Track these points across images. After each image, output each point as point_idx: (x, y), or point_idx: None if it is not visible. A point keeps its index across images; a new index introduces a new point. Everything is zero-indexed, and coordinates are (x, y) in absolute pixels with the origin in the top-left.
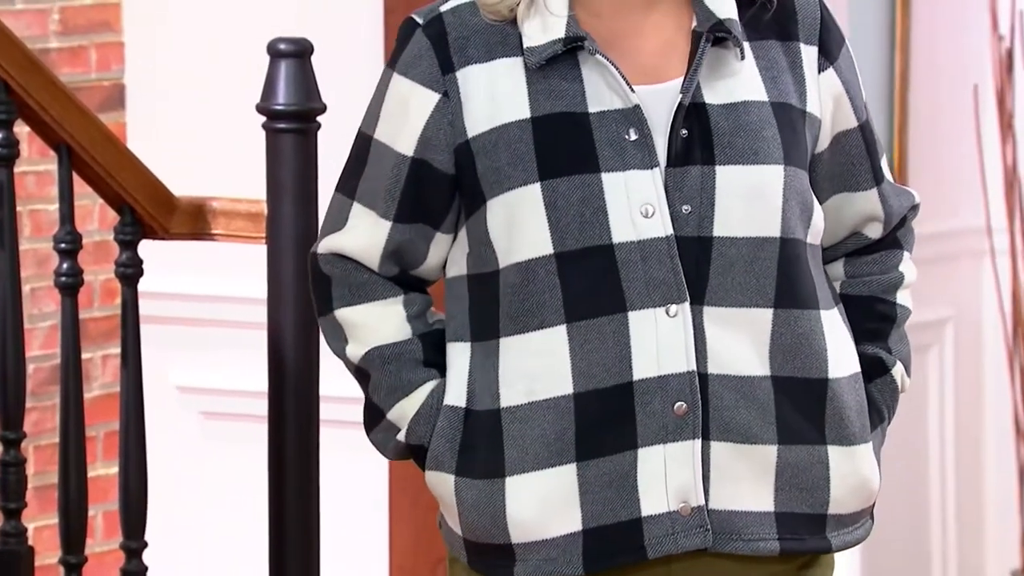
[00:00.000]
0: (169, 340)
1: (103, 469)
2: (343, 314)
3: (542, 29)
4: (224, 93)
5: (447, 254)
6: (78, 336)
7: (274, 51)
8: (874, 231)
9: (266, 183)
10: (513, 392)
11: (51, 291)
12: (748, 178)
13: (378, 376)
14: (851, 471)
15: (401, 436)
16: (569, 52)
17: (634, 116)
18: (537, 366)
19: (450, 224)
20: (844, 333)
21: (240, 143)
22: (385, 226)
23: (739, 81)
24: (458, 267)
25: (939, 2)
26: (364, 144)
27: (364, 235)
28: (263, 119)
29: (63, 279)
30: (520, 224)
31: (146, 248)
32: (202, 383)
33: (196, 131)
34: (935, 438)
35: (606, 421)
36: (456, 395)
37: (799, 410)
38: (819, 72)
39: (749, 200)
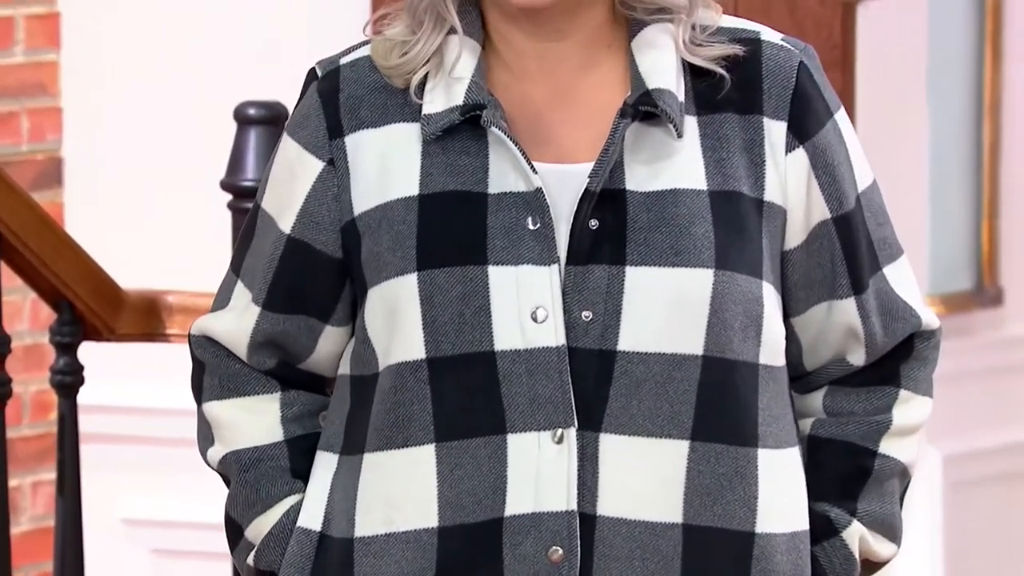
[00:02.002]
0: (115, 463)
1: None
2: (211, 409)
3: (444, 93)
4: (182, 167)
5: (343, 348)
6: (4, 459)
7: (241, 117)
8: (856, 356)
9: None
10: (369, 520)
11: None
12: (665, 282)
13: (235, 486)
14: None
15: (251, 559)
16: (474, 123)
17: (536, 202)
18: (399, 491)
19: (342, 316)
20: (793, 481)
21: (201, 226)
22: (254, 312)
23: (672, 164)
24: (344, 365)
25: None
26: (254, 212)
27: (233, 319)
28: (228, 197)
29: None
30: (394, 321)
31: (88, 352)
32: (154, 515)
33: (148, 212)
34: None
35: (471, 562)
36: (312, 515)
37: (714, 569)
38: (786, 152)
39: (665, 309)
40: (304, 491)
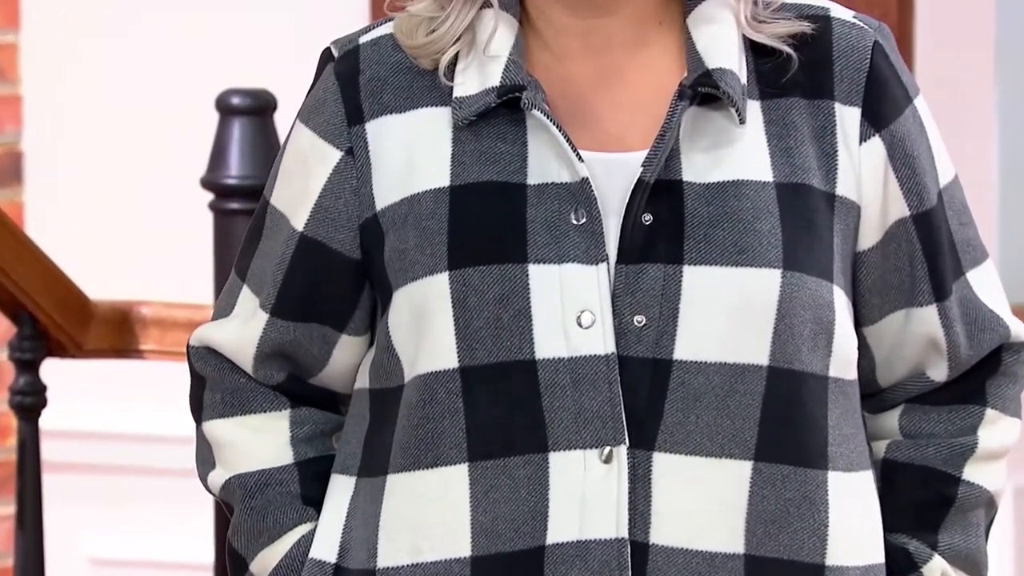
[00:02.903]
0: (81, 495)
1: None
2: (212, 428)
3: (478, 74)
4: (157, 162)
5: (360, 361)
6: None
7: (225, 106)
8: (937, 371)
9: (213, 281)
10: (394, 549)
11: None
12: (727, 284)
13: (240, 514)
14: None
15: None
16: (512, 105)
17: (581, 193)
18: (427, 517)
19: (360, 324)
20: (867, 508)
21: (179, 229)
22: (261, 319)
23: (734, 153)
24: (362, 378)
25: None
26: (261, 210)
27: (238, 327)
28: (209, 196)
29: None
30: (423, 326)
31: (52, 370)
32: (123, 553)
33: (119, 213)
34: None
35: None
36: (326, 545)
37: None
38: (860, 142)
39: (727, 313)
40: (316, 519)
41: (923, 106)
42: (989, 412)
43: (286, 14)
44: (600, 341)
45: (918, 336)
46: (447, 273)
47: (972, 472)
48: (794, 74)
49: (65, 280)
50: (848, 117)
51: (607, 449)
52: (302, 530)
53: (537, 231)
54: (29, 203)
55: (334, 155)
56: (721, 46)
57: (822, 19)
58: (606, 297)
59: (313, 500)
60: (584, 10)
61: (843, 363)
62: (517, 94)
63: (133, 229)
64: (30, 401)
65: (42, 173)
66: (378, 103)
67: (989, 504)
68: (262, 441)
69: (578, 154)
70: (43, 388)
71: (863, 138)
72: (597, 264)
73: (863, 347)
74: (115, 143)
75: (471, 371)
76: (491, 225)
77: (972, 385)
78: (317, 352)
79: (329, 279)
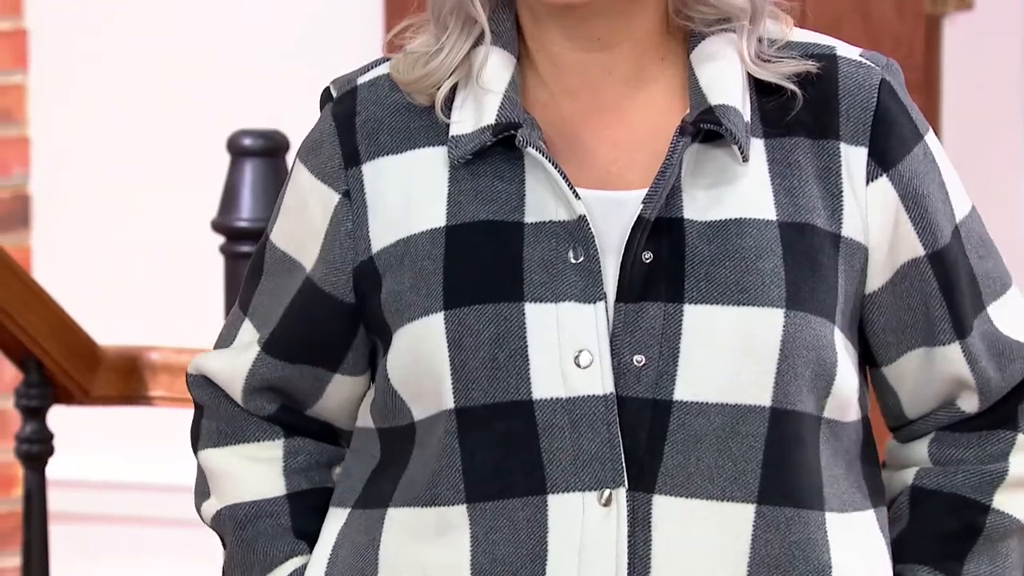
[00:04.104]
0: (89, 546)
1: None
2: (207, 458)
3: (474, 112)
4: (167, 205)
5: (362, 396)
6: None
7: (236, 148)
8: (968, 403)
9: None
10: None
11: None
12: (729, 323)
13: (231, 546)
14: None
15: None
16: (509, 143)
17: (579, 231)
18: (428, 554)
19: (355, 365)
20: (869, 548)
21: (189, 273)
22: (252, 353)
23: (737, 191)
24: (364, 417)
25: None
26: (263, 246)
27: (230, 358)
28: (221, 239)
29: None
30: (421, 368)
31: (59, 418)
32: None
33: (128, 257)
34: None
35: None
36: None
37: None
38: (867, 183)
39: (729, 353)
40: (309, 553)
41: (934, 142)
42: (1021, 438)
43: (298, 54)
44: (598, 381)
45: (943, 374)
46: (442, 313)
47: (1002, 500)
48: (798, 113)
49: (73, 325)
50: (854, 158)
51: (606, 492)
52: (294, 564)
53: (534, 270)
54: (36, 247)
55: (333, 198)
56: (725, 83)
57: (828, 58)
58: (604, 336)
59: (306, 533)
60: (585, 42)
61: (840, 406)
62: (513, 132)
63: (142, 273)
64: (37, 449)
65: (50, 216)
66: (374, 144)
67: (1021, 534)
68: (255, 471)
69: (575, 192)
70: (50, 436)
71: (870, 178)
72: (595, 303)
73: (885, 387)
74: (124, 185)
75: (467, 412)
76: (487, 264)
77: (1004, 411)
78: (310, 388)
79: (323, 323)
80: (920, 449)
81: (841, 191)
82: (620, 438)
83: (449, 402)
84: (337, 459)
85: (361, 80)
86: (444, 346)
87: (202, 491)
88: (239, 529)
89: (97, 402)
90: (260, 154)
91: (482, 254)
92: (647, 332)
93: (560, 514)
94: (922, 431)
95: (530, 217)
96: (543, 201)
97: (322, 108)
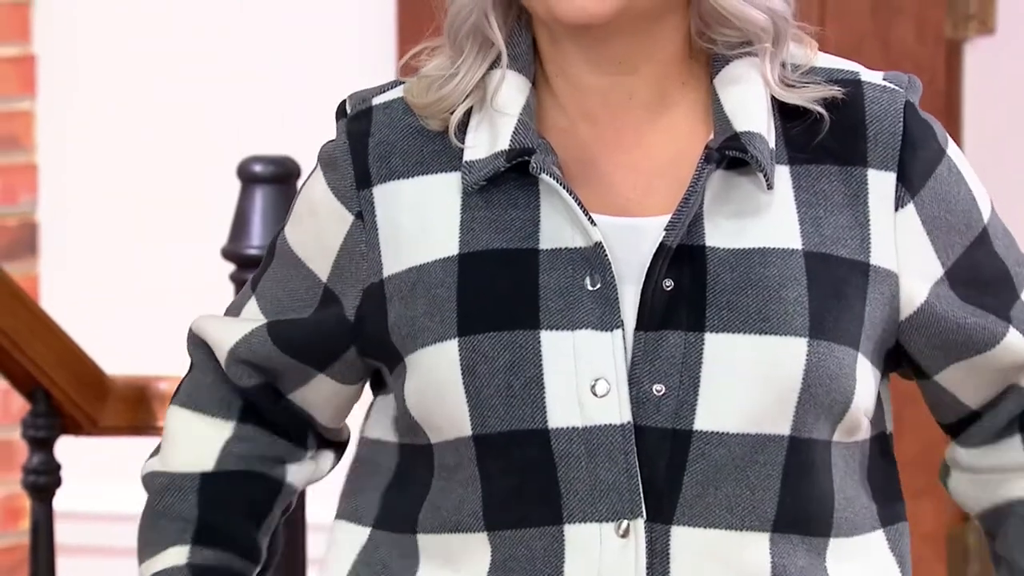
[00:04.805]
0: None
1: None
2: (171, 413)
3: (489, 136)
4: (177, 232)
5: (348, 403)
6: None
7: (247, 174)
8: None
9: None
10: None
11: None
12: (751, 352)
13: (142, 519)
14: None
15: None
16: (523, 169)
17: (595, 258)
18: None
19: (344, 374)
20: (875, 572)
21: (199, 301)
22: (252, 324)
23: (761, 220)
24: (382, 429)
25: None
26: (277, 234)
27: (227, 323)
28: (230, 267)
29: None
30: (436, 393)
31: (67, 448)
32: None
33: (137, 285)
34: None
35: None
36: None
37: None
38: (896, 208)
39: (751, 383)
40: (192, 544)
41: (955, 151)
42: None
43: (310, 79)
44: (616, 410)
45: (997, 367)
46: (456, 340)
47: None
48: (824, 138)
49: (80, 355)
50: (882, 184)
51: (624, 523)
52: (171, 555)
53: (550, 297)
54: (44, 275)
55: (347, 217)
56: (750, 108)
57: (852, 83)
58: (621, 365)
59: (204, 521)
60: (605, 65)
61: (849, 428)
62: (527, 157)
63: (151, 302)
64: (44, 481)
65: (58, 244)
66: (386, 167)
67: None
68: (193, 444)
69: (591, 218)
70: (57, 467)
71: (899, 204)
72: (612, 331)
73: (938, 390)
74: (133, 213)
75: (484, 439)
76: (502, 292)
77: None
78: (294, 377)
79: (324, 330)
80: (1014, 454)
81: (869, 219)
82: (638, 468)
83: (467, 429)
84: (290, 458)
85: (377, 101)
86: (458, 373)
87: (158, 446)
88: (151, 498)
89: (105, 432)
90: (271, 181)
91: (496, 282)
92: (667, 361)
93: (577, 545)
94: (996, 427)
95: (545, 244)
96: (559, 228)
97: (337, 121)
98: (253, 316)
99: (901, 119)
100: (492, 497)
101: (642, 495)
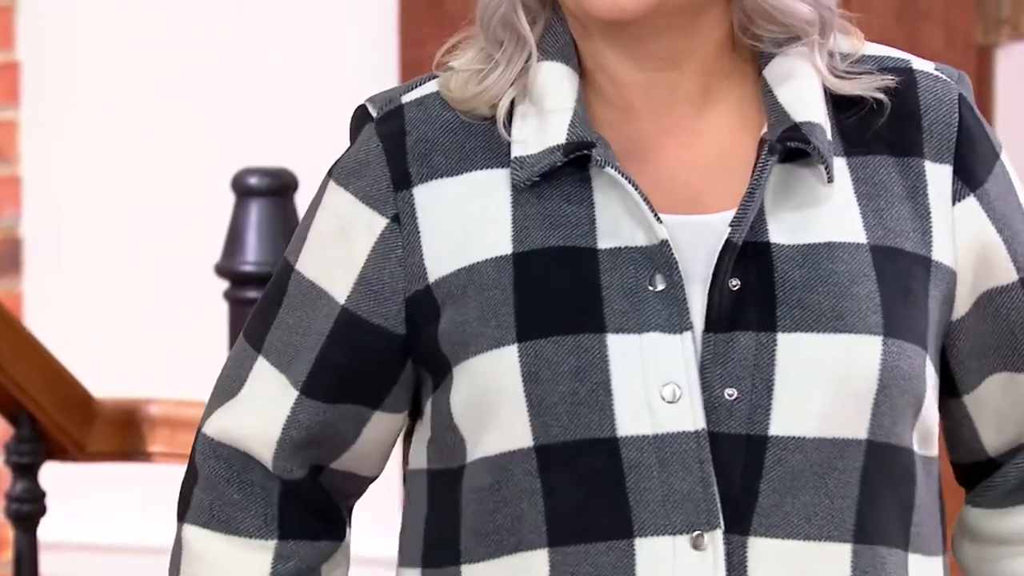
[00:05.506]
0: None
1: None
2: (189, 534)
3: (538, 130)
4: (167, 248)
5: (394, 439)
6: None
7: (242, 187)
8: None
9: None
10: None
11: None
12: (826, 352)
13: None
14: None
15: None
16: (576, 163)
17: (661, 257)
18: None
19: (397, 401)
20: None
21: (190, 320)
22: (289, 399)
23: (823, 214)
24: (417, 458)
25: None
26: (284, 275)
27: (260, 412)
28: (224, 284)
29: None
30: (490, 403)
31: (52, 474)
32: None
33: (125, 304)
34: None
35: None
36: None
37: None
38: (954, 203)
39: (826, 384)
40: None
41: (1006, 159)
42: None
43: (308, 89)
44: (689, 417)
45: None
46: (516, 346)
47: None
48: (879, 129)
49: (66, 377)
50: (939, 176)
51: (699, 535)
52: None
53: (613, 298)
54: (28, 293)
55: (379, 222)
56: (806, 99)
57: (904, 71)
58: (693, 369)
59: None
60: (645, 61)
61: (925, 437)
62: (586, 152)
63: (141, 320)
64: (28, 509)
65: (43, 260)
66: (427, 166)
67: None
68: (237, 568)
69: (657, 215)
70: (42, 495)
71: (956, 198)
72: (681, 333)
73: (962, 417)
74: (122, 228)
75: (547, 450)
76: (562, 293)
77: None
78: (346, 430)
79: (370, 357)
80: (1021, 521)
81: (929, 212)
82: (714, 477)
83: (527, 439)
84: (329, 554)
85: (406, 98)
86: (518, 380)
87: (174, 566)
88: None
89: (92, 458)
90: (267, 193)
91: (556, 282)
92: (739, 363)
93: (649, 559)
94: (1008, 487)
95: (604, 243)
96: (616, 224)
97: (359, 128)
98: (276, 385)
99: (956, 111)
100: (555, 510)
101: (719, 505)
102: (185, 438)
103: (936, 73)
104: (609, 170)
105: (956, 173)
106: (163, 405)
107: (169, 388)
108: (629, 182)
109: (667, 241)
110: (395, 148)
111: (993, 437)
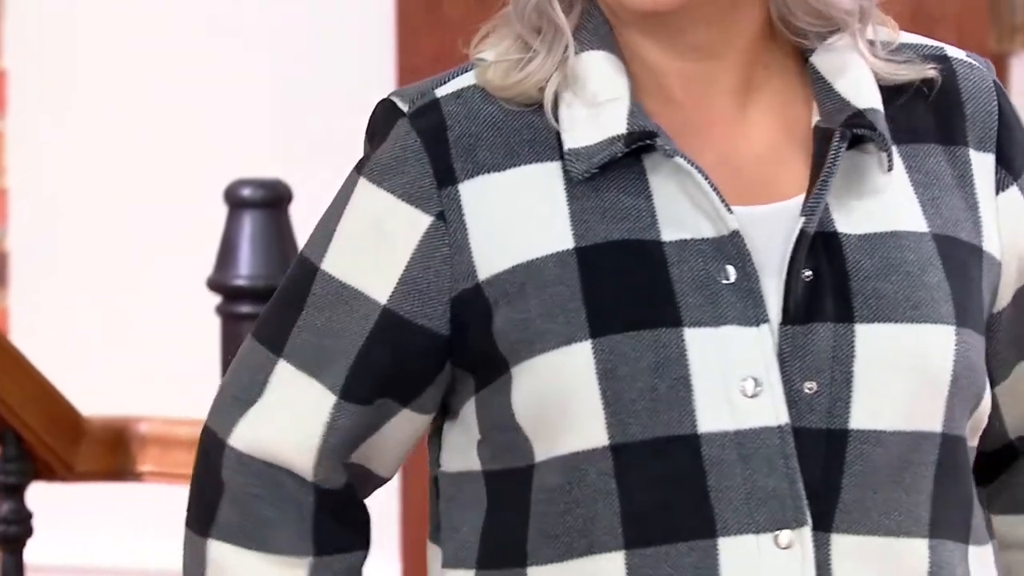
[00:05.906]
0: None
1: None
2: (220, 552)
3: (590, 120)
4: (158, 261)
5: (411, 442)
6: None
7: (234, 198)
8: None
9: None
10: None
11: None
12: (905, 343)
13: None
14: None
15: None
16: (631, 154)
17: (731, 248)
18: None
19: (428, 402)
20: None
21: (182, 336)
22: (327, 404)
23: (884, 202)
24: (463, 459)
25: None
26: (306, 276)
27: (294, 419)
28: (217, 299)
29: None
30: (561, 401)
31: (39, 495)
32: None
33: (114, 319)
34: None
35: None
36: None
37: None
38: (997, 192)
39: (906, 376)
40: None
41: None
42: None
43: (302, 98)
44: (771, 411)
45: None
46: (590, 342)
47: None
48: (924, 117)
49: (54, 394)
50: (983, 165)
51: (786, 533)
52: None
53: (686, 291)
54: (15, 308)
55: (423, 221)
56: (862, 87)
57: (941, 59)
58: (772, 362)
59: None
60: (684, 51)
61: (975, 427)
62: (648, 141)
63: (130, 336)
64: (14, 530)
65: (30, 275)
66: (472, 162)
67: None
68: None
69: (727, 205)
70: (29, 515)
71: (1000, 187)
72: (758, 326)
73: (993, 408)
74: (111, 241)
75: (624, 448)
76: (633, 287)
77: None
78: (371, 428)
79: (411, 358)
80: None
81: (977, 201)
82: (799, 473)
83: (602, 438)
84: (359, 564)
85: (441, 92)
86: (593, 377)
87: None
88: None
89: (81, 478)
90: (261, 205)
91: (625, 276)
92: (817, 356)
93: (733, 559)
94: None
95: (668, 234)
96: (679, 216)
97: (388, 123)
98: (309, 390)
99: (995, 98)
100: (632, 511)
101: (805, 502)
102: (175, 457)
103: (970, 60)
104: (679, 160)
105: (999, 161)
106: (153, 423)
107: (159, 406)
108: (700, 172)
109: (739, 232)
110: (436, 143)
111: (1017, 418)
